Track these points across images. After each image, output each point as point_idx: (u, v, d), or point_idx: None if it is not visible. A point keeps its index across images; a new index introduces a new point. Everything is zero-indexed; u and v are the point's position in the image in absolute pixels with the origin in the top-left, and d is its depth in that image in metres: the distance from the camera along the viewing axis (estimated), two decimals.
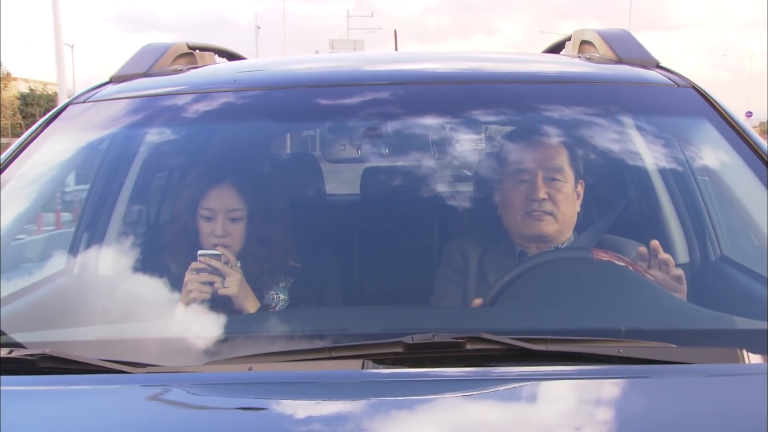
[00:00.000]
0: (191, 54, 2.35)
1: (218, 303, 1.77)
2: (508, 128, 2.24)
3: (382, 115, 1.96)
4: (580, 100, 1.90)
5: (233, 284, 1.81)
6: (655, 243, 1.73)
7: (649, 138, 1.99)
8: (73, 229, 2.43)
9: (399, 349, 1.26)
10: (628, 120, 1.94)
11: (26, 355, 1.27)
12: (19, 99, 36.48)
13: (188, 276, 1.79)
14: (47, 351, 1.27)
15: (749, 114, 38.98)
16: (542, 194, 1.88)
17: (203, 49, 2.47)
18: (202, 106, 1.92)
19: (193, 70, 2.23)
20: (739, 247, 2.20)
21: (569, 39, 2.46)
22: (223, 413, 1.19)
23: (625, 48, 2.08)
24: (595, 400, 1.19)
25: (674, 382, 1.22)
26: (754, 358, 1.27)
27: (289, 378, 1.25)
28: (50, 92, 37.30)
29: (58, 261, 2.30)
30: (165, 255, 1.97)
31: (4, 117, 32.44)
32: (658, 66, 2.01)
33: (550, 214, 1.89)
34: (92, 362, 1.27)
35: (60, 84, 17.35)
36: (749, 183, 1.65)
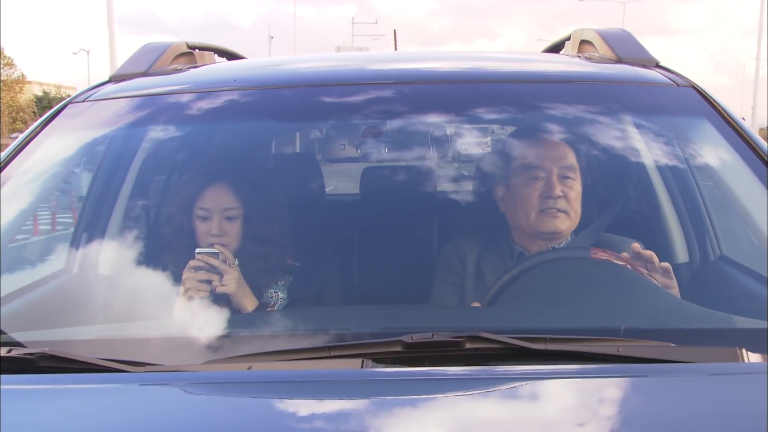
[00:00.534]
0: (191, 53, 2.35)
1: (217, 301, 1.77)
2: (509, 128, 2.24)
3: (381, 114, 1.96)
4: (580, 100, 1.90)
5: (231, 282, 1.82)
6: (635, 245, 1.75)
7: (648, 137, 1.99)
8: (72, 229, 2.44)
9: (398, 348, 1.26)
10: (627, 119, 1.94)
11: (26, 354, 1.27)
12: (35, 102, 36.77)
13: (186, 274, 1.79)
14: (47, 350, 1.27)
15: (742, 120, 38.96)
16: (558, 192, 1.90)
17: (203, 48, 2.47)
18: (202, 106, 1.92)
19: (192, 70, 2.23)
20: (738, 246, 2.20)
21: (569, 39, 2.46)
22: (222, 412, 1.19)
23: (624, 47, 2.08)
24: (594, 399, 1.19)
25: (674, 381, 1.22)
26: (754, 357, 1.27)
27: (288, 377, 1.25)
28: (64, 95, 37.80)
29: (58, 260, 2.30)
30: (164, 254, 1.97)
31: (20, 120, 32.64)
32: (658, 65, 2.01)
33: (564, 211, 1.91)
34: (92, 361, 1.27)
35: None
36: (749, 183, 1.65)
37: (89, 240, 2.29)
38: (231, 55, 2.66)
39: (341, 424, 1.11)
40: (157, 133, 2.00)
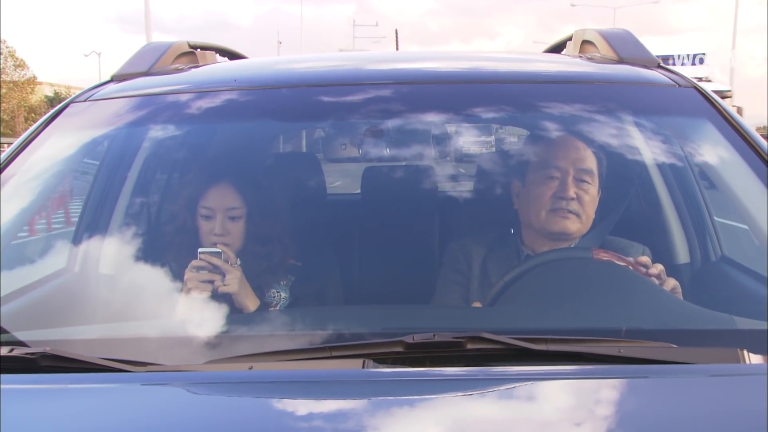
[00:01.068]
0: (192, 53, 2.35)
1: (219, 301, 1.77)
2: (508, 128, 2.24)
3: (382, 114, 1.96)
4: (582, 100, 1.90)
5: (233, 282, 1.82)
6: (643, 259, 1.75)
7: (650, 138, 1.99)
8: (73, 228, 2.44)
9: (399, 349, 1.26)
10: (628, 120, 1.94)
11: (27, 353, 1.27)
12: (46, 102, 36.95)
13: (188, 274, 1.79)
14: (48, 349, 1.27)
15: None
16: (572, 193, 1.91)
17: (204, 48, 2.47)
18: (203, 105, 1.92)
19: (194, 69, 2.23)
20: (739, 247, 2.20)
21: (570, 39, 2.46)
22: (223, 412, 1.19)
23: (626, 48, 2.08)
24: (595, 399, 1.19)
25: (675, 382, 1.22)
26: (755, 358, 1.27)
27: (289, 377, 1.25)
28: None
29: (59, 259, 2.30)
30: (166, 254, 1.97)
31: (33, 121, 32.91)
32: (659, 66, 2.01)
33: (575, 213, 1.91)
34: (93, 361, 1.27)
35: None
36: (750, 183, 1.65)
37: (90, 239, 2.29)
38: (232, 55, 2.66)
39: (342, 424, 1.11)
40: (159, 132, 2.00)
